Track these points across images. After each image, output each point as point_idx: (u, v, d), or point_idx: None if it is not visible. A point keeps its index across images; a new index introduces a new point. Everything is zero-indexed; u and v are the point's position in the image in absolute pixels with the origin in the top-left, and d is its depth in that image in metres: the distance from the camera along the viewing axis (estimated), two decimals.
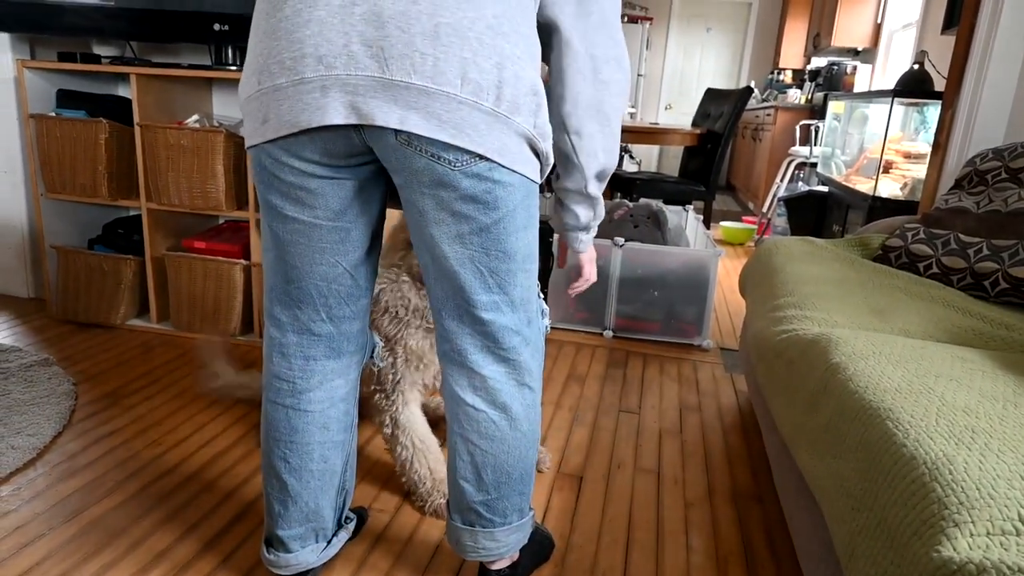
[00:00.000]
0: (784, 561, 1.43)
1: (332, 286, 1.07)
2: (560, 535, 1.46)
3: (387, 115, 0.85)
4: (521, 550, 1.23)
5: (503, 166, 0.92)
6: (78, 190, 2.36)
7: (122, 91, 2.72)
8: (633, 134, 4.14)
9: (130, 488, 1.53)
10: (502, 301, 1.04)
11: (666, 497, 1.63)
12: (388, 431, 1.52)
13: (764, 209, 4.90)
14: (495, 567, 1.20)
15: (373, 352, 1.26)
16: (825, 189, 4.21)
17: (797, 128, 5.25)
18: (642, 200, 3.48)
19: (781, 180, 4.82)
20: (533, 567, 1.30)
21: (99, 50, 2.67)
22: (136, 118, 2.26)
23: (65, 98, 2.45)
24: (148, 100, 2.30)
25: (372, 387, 1.52)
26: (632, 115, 6.94)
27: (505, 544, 1.16)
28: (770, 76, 7.40)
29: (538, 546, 1.31)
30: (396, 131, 0.87)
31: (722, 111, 4.27)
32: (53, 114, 2.36)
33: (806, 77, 6.36)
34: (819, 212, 4.20)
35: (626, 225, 3.07)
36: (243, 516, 1.45)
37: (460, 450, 1.11)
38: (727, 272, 3.89)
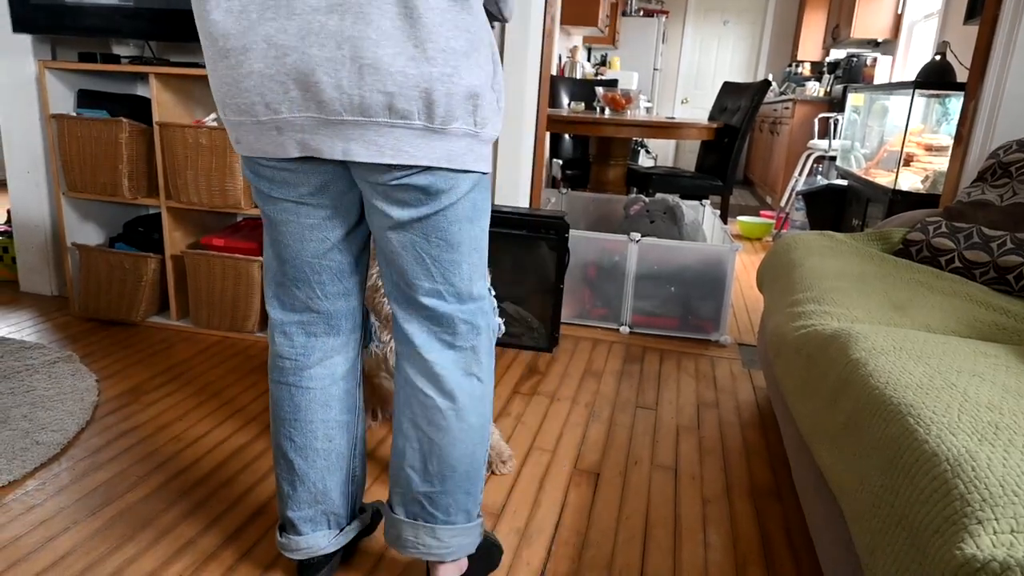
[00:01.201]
0: (803, 558, 1.42)
1: (323, 262, 1.12)
2: (576, 531, 1.46)
3: (332, 148, 0.96)
4: (470, 558, 1.21)
5: (449, 169, 1.00)
6: (99, 189, 2.39)
7: (141, 91, 2.75)
8: (649, 129, 4.11)
9: (153, 482, 1.55)
10: (445, 290, 1.08)
11: (683, 494, 1.62)
12: (393, 412, 1.54)
13: (782, 203, 4.85)
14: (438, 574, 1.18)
15: (371, 334, 1.28)
16: (844, 183, 4.17)
17: (816, 121, 5.19)
18: (658, 195, 3.46)
19: (799, 174, 4.77)
20: None
21: (118, 50, 2.70)
22: (155, 117, 2.29)
23: (86, 98, 2.48)
24: (167, 99, 2.33)
25: (380, 373, 1.54)
26: (648, 109, 6.90)
27: (448, 546, 1.15)
28: (788, 69, 7.32)
29: (486, 554, 1.28)
30: (342, 160, 1.00)
31: (739, 105, 4.24)
32: (74, 114, 2.39)
33: (825, 69, 6.28)
34: (838, 206, 4.15)
35: (642, 221, 3.06)
36: (264, 509, 1.47)
37: (409, 436, 1.13)
38: (744, 267, 3.86)
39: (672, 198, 3.20)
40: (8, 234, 2.84)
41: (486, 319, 1.14)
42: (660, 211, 3.09)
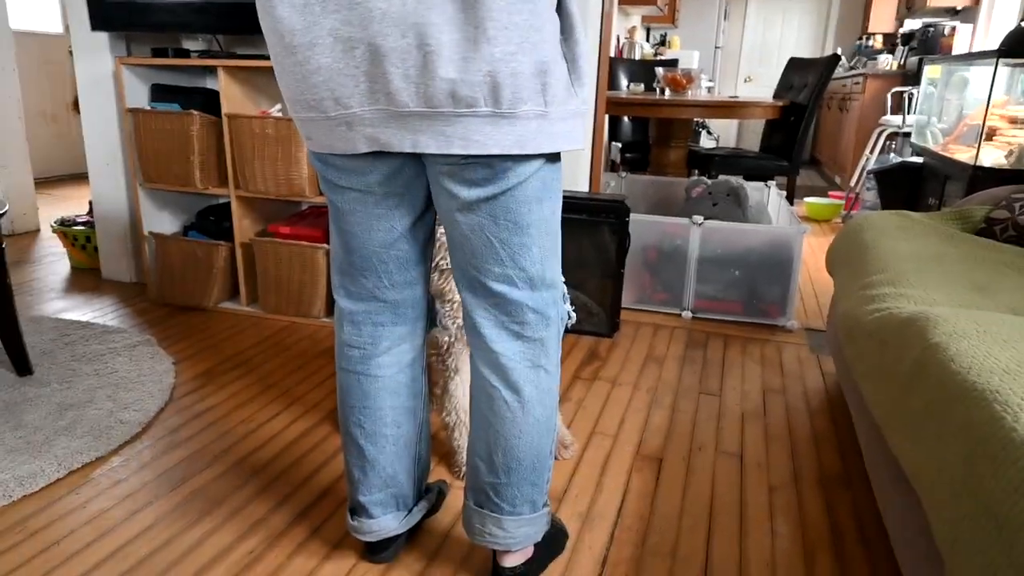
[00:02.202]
0: (876, 549, 1.37)
1: (391, 252, 1.12)
2: (639, 517, 1.45)
3: (401, 141, 0.94)
4: (536, 546, 1.21)
5: (522, 155, 0.97)
6: (172, 180, 2.49)
7: (210, 83, 2.84)
8: (710, 109, 4.01)
9: (227, 461, 1.61)
10: (516, 275, 1.05)
11: (749, 481, 1.59)
12: (439, 392, 1.58)
13: (852, 183, 4.67)
14: (507, 564, 1.18)
15: (435, 320, 1.29)
16: (919, 160, 3.97)
17: (888, 96, 4.96)
18: (721, 177, 3.37)
19: (871, 152, 4.57)
20: (548, 561, 1.28)
21: (188, 45, 2.79)
22: (224, 109, 2.36)
23: (159, 92, 2.58)
24: (234, 91, 2.40)
25: (430, 351, 1.57)
26: (709, 89, 6.72)
27: (513, 536, 1.14)
28: (858, 42, 7.01)
29: (552, 539, 1.27)
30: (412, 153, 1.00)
31: (806, 81, 4.08)
32: (148, 108, 2.49)
33: (898, 41, 5.99)
34: (913, 185, 3.96)
35: (704, 203, 2.99)
36: (331, 490, 1.51)
37: (477, 427, 1.13)
38: (812, 250, 3.74)
39: (735, 180, 3.12)
40: (90, 224, 2.99)
41: (557, 309, 1.11)
42: (723, 193, 3.02)
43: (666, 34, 7.75)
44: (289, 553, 1.31)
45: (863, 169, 4.51)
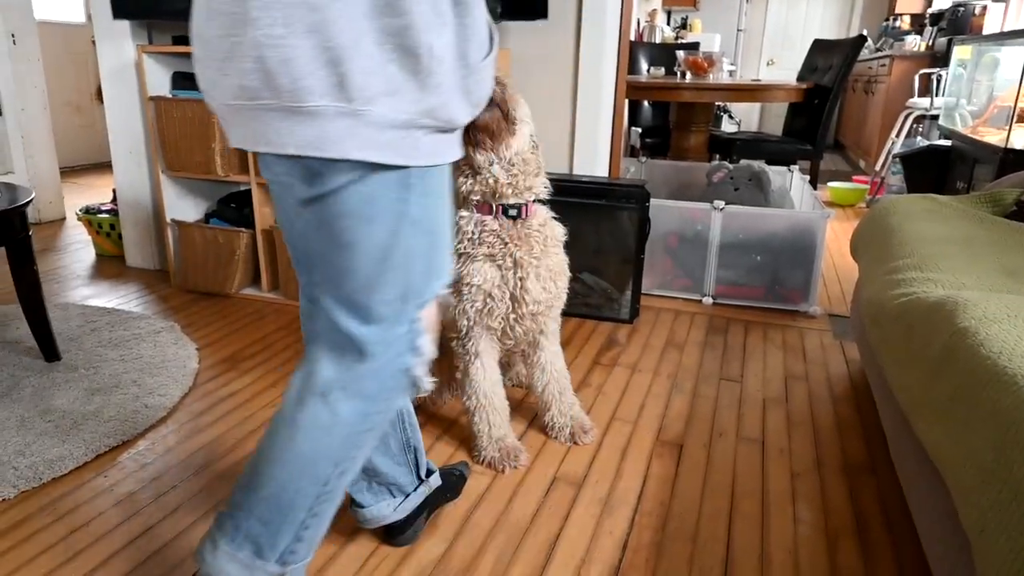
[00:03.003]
0: (901, 536, 1.35)
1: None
2: (660, 503, 1.44)
3: (229, 136, 0.88)
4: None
5: (327, 158, 0.81)
6: (194, 167, 2.50)
7: None
8: (732, 92, 3.95)
9: (250, 445, 1.63)
10: (334, 292, 0.91)
11: (771, 467, 1.57)
12: (459, 376, 1.60)
13: (877, 167, 4.58)
14: None
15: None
16: (948, 143, 3.89)
17: (916, 78, 4.85)
18: (743, 161, 3.33)
19: (897, 135, 4.48)
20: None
21: None
22: None
23: (181, 80, 2.60)
24: None
25: (451, 334, 1.57)
26: (731, 73, 6.62)
27: (219, 568, 0.94)
28: (885, 23, 6.86)
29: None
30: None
31: (831, 63, 4.01)
32: (170, 96, 2.50)
33: (927, 22, 5.85)
34: (940, 168, 3.88)
35: (726, 188, 2.96)
36: None
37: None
38: (836, 235, 3.68)
39: (757, 164, 3.08)
40: (114, 212, 3.03)
41: (387, 351, 0.93)
42: (745, 178, 2.98)
43: (687, 17, 7.65)
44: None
45: (889, 153, 4.43)
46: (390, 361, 0.94)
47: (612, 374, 2.03)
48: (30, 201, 1.86)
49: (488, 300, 1.51)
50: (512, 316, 1.54)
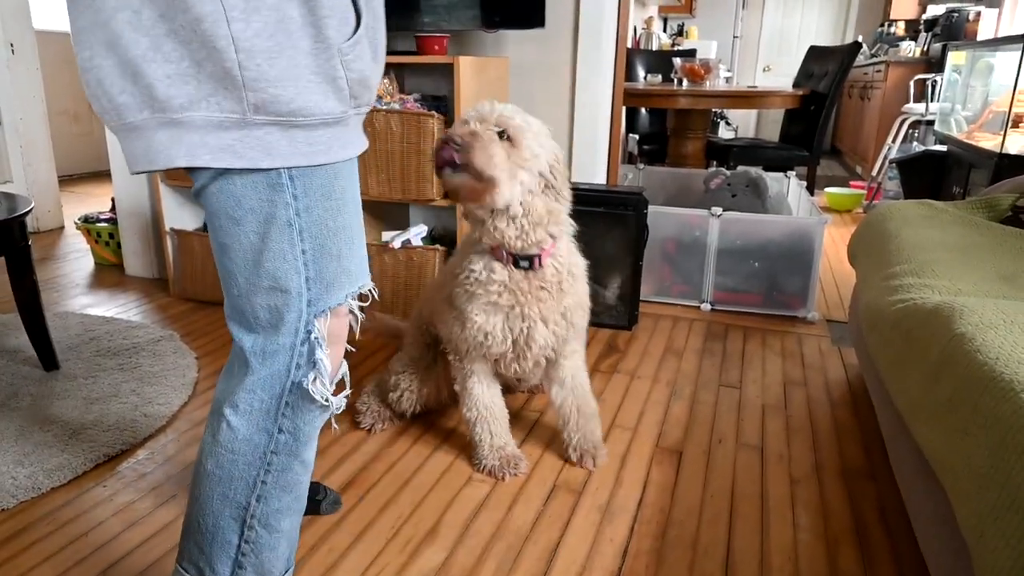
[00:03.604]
0: (901, 541, 1.36)
1: None
2: (660, 509, 1.44)
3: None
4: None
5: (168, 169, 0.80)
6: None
7: None
8: (729, 99, 3.97)
9: None
10: (226, 299, 0.91)
11: (770, 473, 1.58)
12: (458, 389, 1.59)
13: (874, 172, 4.60)
14: None
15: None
16: (943, 148, 3.91)
17: (911, 84, 4.88)
18: (740, 168, 3.34)
19: (893, 141, 4.51)
20: None
21: None
22: None
23: None
24: None
25: (446, 348, 1.59)
26: (728, 79, 6.65)
27: None
28: (880, 29, 6.90)
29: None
30: None
31: (827, 70, 4.03)
32: None
33: (921, 27, 5.89)
34: (936, 173, 3.90)
35: (723, 194, 2.97)
36: (354, 481, 1.52)
37: None
38: (833, 241, 3.69)
39: (754, 170, 3.09)
40: (113, 221, 3.03)
41: (270, 363, 0.89)
42: (742, 184, 2.99)
43: (683, 24, 7.68)
44: (314, 543, 1.32)
45: (885, 158, 4.45)
46: (276, 374, 0.89)
47: (611, 381, 2.03)
48: (29, 211, 1.87)
49: (488, 338, 1.45)
50: (512, 356, 1.49)
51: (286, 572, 0.99)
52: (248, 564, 0.93)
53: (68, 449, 1.60)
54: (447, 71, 2.16)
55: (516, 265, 1.40)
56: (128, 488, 1.49)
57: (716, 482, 1.54)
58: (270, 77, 0.77)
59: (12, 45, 3.46)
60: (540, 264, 1.41)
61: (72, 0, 0.76)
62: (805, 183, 3.28)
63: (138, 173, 0.83)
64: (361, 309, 0.97)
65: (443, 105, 2.44)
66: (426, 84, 2.53)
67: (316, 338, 0.89)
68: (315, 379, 0.89)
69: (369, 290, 0.98)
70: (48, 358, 1.99)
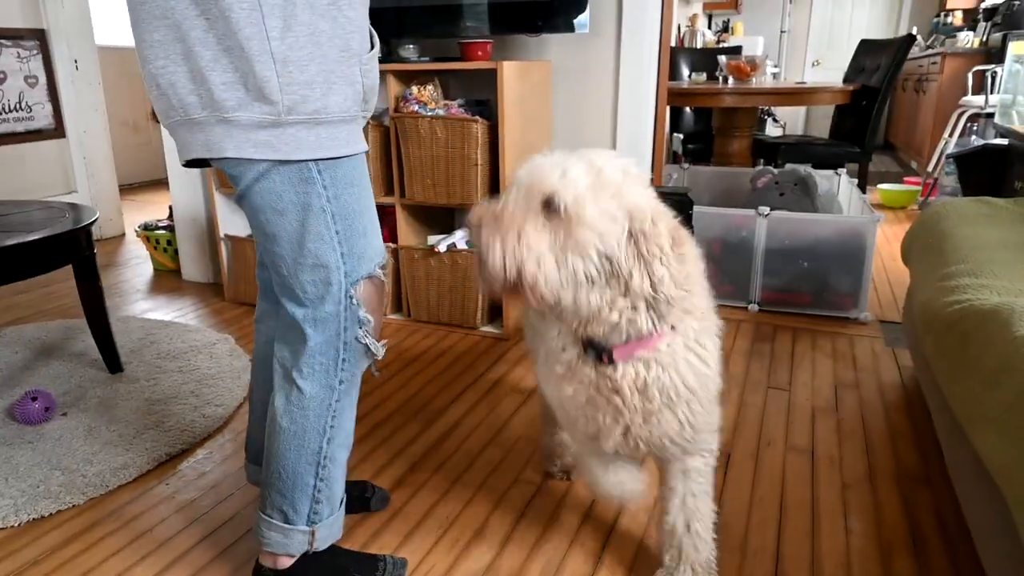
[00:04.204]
0: (958, 548, 1.32)
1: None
2: (716, 509, 1.43)
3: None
4: (300, 566, 1.16)
5: (236, 158, 0.98)
6: None
7: None
8: (776, 96, 3.90)
9: None
10: (276, 280, 1.08)
11: (821, 478, 1.55)
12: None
13: (930, 168, 4.46)
14: (260, 559, 1.19)
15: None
16: (1004, 142, 3.76)
17: (969, 75, 4.71)
18: (788, 166, 3.28)
19: (950, 135, 4.36)
20: None
21: None
22: None
23: None
24: None
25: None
26: (775, 75, 6.52)
27: (264, 536, 1.15)
28: (936, 20, 6.67)
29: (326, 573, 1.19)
30: None
31: (879, 63, 3.92)
32: None
33: (980, 17, 5.67)
34: (997, 168, 3.75)
35: (771, 193, 2.92)
36: (403, 480, 1.55)
37: None
38: (887, 239, 3.59)
39: (803, 168, 3.03)
40: (171, 228, 3.14)
41: (324, 329, 1.07)
42: (791, 182, 2.94)
43: (729, 20, 7.56)
44: (364, 541, 1.36)
45: (942, 153, 4.30)
46: (329, 338, 1.07)
47: None
48: (95, 220, 1.96)
49: (560, 412, 1.15)
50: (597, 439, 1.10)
51: (341, 496, 1.19)
52: (323, 498, 1.14)
53: (132, 448, 1.67)
54: (491, 76, 2.18)
55: (585, 350, 1.02)
56: (189, 486, 1.55)
57: (764, 486, 1.52)
58: (301, 81, 0.95)
59: (76, 61, 3.63)
60: (610, 360, 1.00)
61: (147, 19, 0.94)
62: (857, 180, 3.20)
63: (190, 162, 1.03)
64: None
65: (487, 110, 2.46)
66: (470, 90, 2.56)
67: (356, 301, 1.07)
68: (364, 333, 1.09)
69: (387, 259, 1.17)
70: (112, 361, 2.08)
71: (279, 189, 0.99)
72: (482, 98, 2.50)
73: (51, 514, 1.45)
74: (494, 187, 2.31)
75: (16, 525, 1.42)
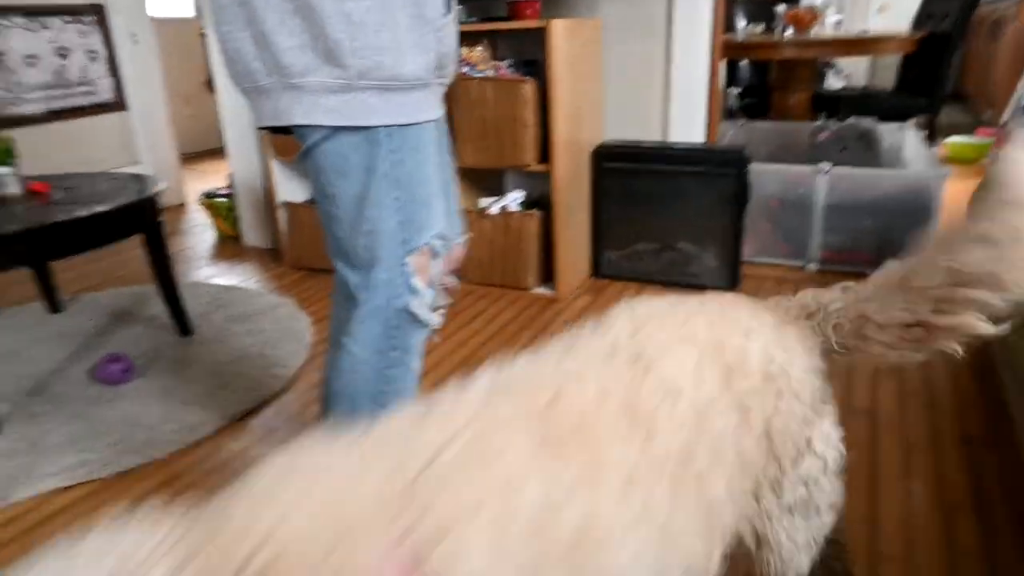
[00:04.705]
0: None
1: None
2: None
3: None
4: None
5: (302, 124, 0.97)
6: (294, 149, 2.63)
7: None
8: (837, 47, 3.73)
9: None
10: (331, 241, 1.08)
11: (882, 439, 1.53)
12: None
13: (1004, 119, 4.22)
14: None
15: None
16: None
17: None
18: (850, 119, 3.15)
19: None
20: None
21: None
22: None
23: None
24: None
25: None
26: (838, 23, 6.23)
27: None
28: None
29: None
30: None
31: (950, 8, 3.71)
32: None
33: None
34: None
35: (832, 148, 2.83)
36: None
37: None
38: (956, 194, 3.44)
39: (866, 121, 2.92)
40: (231, 196, 3.24)
41: (374, 295, 1.05)
42: (852, 137, 2.84)
43: None
44: None
45: (1018, 102, 4.07)
46: (380, 305, 1.06)
47: None
48: (162, 190, 2.03)
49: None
50: None
51: None
52: None
53: (206, 408, 1.76)
54: (540, 35, 2.15)
55: None
56: (259, 443, 1.63)
57: None
58: (374, 47, 0.93)
59: (135, 35, 3.72)
60: None
61: None
62: (924, 133, 3.06)
63: (263, 128, 1.04)
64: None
65: (537, 70, 2.44)
66: (519, 50, 2.53)
67: (410, 270, 1.06)
68: (415, 302, 1.07)
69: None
70: (183, 324, 2.18)
71: (344, 151, 0.99)
72: (531, 58, 2.47)
73: (135, 467, 1.55)
74: (544, 148, 2.29)
75: (106, 477, 1.52)
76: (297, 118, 0.96)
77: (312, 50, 0.92)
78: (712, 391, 0.69)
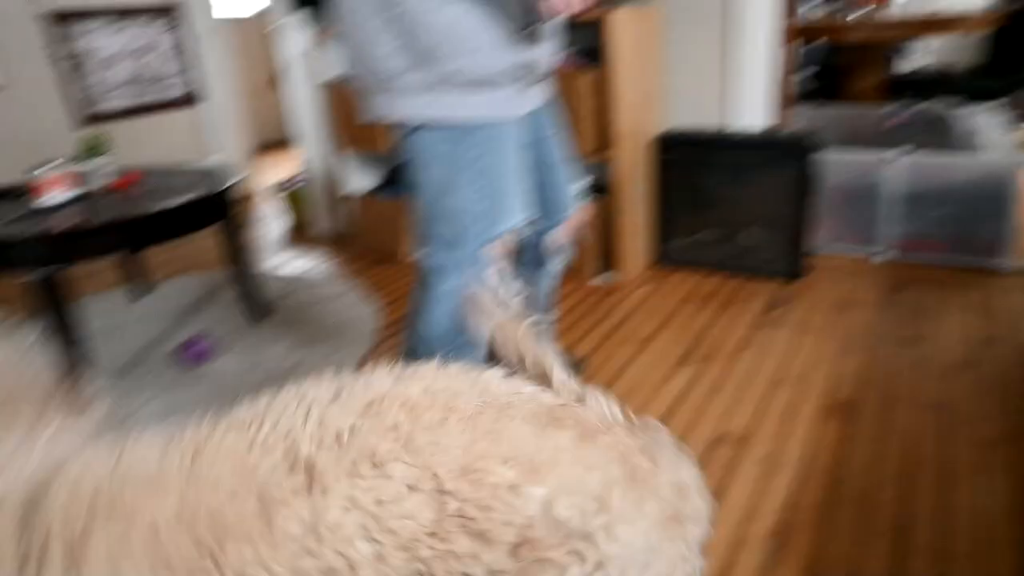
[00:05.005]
0: None
1: None
2: (827, 466, 1.42)
3: None
4: None
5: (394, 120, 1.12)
6: (363, 143, 2.71)
7: None
8: (910, 28, 3.58)
9: None
10: (420, 229, 1.19)
11: (957, 435, 1.49)
12: None
13: None
14: None
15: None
16: None
17: None
18: (924, 103, 3.03)
19: None
20: None
21: None
22: None
23: None
24: None
25: None
26: (906, 3, 5.95)
27: None
28: None
29: None
30: None
31: None
32: (340, 81, 2.71)
33: None
34: None
35: (904, 134, 2.73)
36: None
37: None
38: None
39: (941, 104, 2.81)
40: (302, 186, 3.34)
41: (443, 279, 1.15)
42: (926, 121, 2.73)
43: None
44: None
45: None
46: (452, 290, 1.12)
47: (776, 334, 1.98)
48: (239, 180, 2.13)
49: None
50: None
51: None
52: None
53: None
54: (599, 24, 2.14)
55: None
56: None
57: (892, 441, 1.48)
58: (460, 52, 1.02)
59: (205, 33, 3.87)
60: None
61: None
62: (1008, 117, 2.92)
63: (368, 122, 1.20)
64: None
65: (598, 58, 2.43)
66: (581, 38, 2.53)
67: (484, 260, 1.13)
68: (485, 291, 1.11)
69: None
70: (258, 310, 2.28)
71: (430, 143, 1.08)
72: (590, 47, 2.47)
73: None
74: (603, 139, 2.29)
75: None
76: (392, 116, 1.08)
77: (403, 55, 1.03)
78: None
